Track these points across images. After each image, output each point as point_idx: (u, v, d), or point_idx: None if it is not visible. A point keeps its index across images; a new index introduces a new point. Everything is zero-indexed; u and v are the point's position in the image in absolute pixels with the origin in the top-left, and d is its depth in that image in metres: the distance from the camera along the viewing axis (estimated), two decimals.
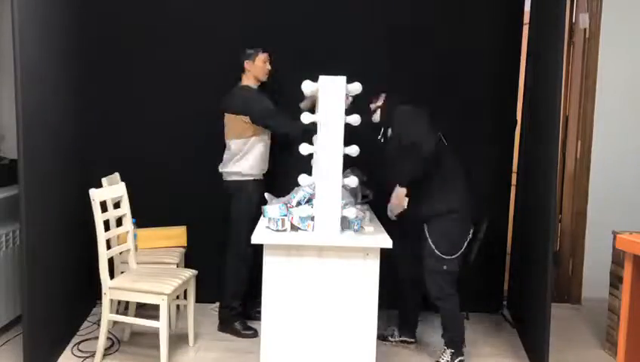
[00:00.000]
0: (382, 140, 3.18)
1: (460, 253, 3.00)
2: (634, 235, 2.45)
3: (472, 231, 3.04)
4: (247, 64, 3.41)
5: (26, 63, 2.68)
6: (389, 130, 3.09)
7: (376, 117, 3.16)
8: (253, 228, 3.30)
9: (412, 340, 3.40)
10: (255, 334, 3.43)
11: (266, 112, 3.35)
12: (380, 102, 3.15)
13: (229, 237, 3.46)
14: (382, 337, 3.41)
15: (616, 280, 3.42)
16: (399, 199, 2.95)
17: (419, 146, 2.83)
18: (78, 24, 3.50)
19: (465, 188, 3.04)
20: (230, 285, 3.47)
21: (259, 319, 3.63)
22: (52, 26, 3.08)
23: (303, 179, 2.71)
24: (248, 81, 3.44)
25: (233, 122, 3.39)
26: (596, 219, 4.24)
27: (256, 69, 3.42)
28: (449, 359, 3.09)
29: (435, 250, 2.99)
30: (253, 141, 3.39)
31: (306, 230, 2.71)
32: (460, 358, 3.11)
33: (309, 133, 3.01)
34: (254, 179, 3.44)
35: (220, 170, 3.50)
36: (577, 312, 4.16)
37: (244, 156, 3.40)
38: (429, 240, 3.01)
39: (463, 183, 3.05)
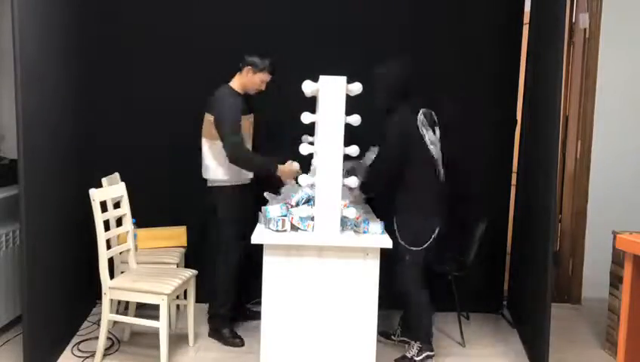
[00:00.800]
0: None
1: (424, 246, 3.04)
2: (634, 235, 2.45)
3: (437, 229, 3.07)
4: (247, 70, 3.27)
5: (26, 63, 2.68)
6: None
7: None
8: (238, 234, 3.25)
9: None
10: (241, 344, 3.35)
11: (229, 126, 3.17)
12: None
13: (216, 244, 3.40)
14: (385, 335, 3.43)
15: (616, 280, 3.42)
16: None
17: (378, 175, 3.07)
18: (78, 24, 3.50)
19: (435, 188, 3.09)
20: (218, 292, 3.39)
21: (257, 318, 3.59)
22: (52, 25, 3.08)
23: (303, 179, 2.71)
24: (236, 84, 3.31)
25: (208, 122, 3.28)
26: (596, 219, 4.24)
27: (252, 81, 3.28)
28: (415, 353, 3.11)
29: (401, 241, 3.03)
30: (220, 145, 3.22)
31: (305, 230, 2.71)
32: (427, 353, 3.10)
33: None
34: (233, 185, 3.30)
35: (204, 176, 3.37)
36: (577, 312, 4.16)
37: (218, 162, 3.26)
38: (397, 231, 3.06)
39: (434, 182, 3.09)
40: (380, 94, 3.07)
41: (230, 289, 3.37)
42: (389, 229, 2.90)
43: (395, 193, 3.10)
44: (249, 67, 3.27)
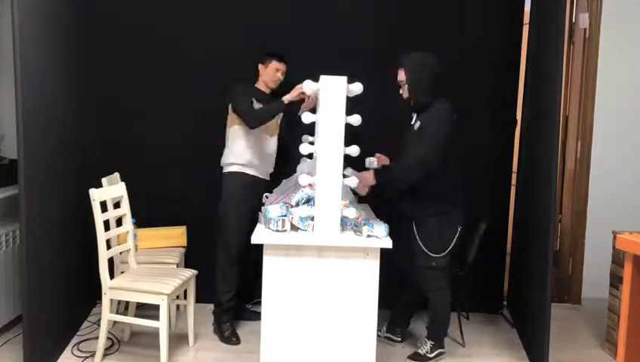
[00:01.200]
0: (411, 126, 3.09)
1: (448, 250, 3.06)
2: (634, 235, 2.44)
3: (460, 227, 3.08)
4: (260, 67, 3.41)
5: (26, 63, 2.68)
6: (417, 124, 3.03)
7: (405, 93, 3.06)
8: (240, 222, 3.32)
9: (398, 339, 3.44)
10: (237, 342, 3.38)
11: (240, 98, 3.28)
12: (401, 77, 3.05)
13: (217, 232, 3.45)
14: None
15: (616, 280, 3.42)
16: (365, 184, 2.95)
17: (424, 164, 2.87)
18: (78, 24, 3.50)
19: (457, 187, 3.08)
20: (217, 281, 3.43)
21: (252, 319, 3.62)
22: (52, 26, 3.08)
23: (303, 179, 2.71)
24: (260, 85, 3.43)
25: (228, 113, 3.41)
26: (596, 219, 4.24)
27: (268, 74, 3.39)
28: (428, 350, 3.18)
29: (424, 248, 3.04)
30: (235, 130, 3.35)
31: (305, 230, 2.71)
32: (439, 350, 3.20)
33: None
34: (239, 172, 3.37)
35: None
36: (577, 312, 4.16)
37: (229, 146, 3.39)
38: (418, 238, 3.05)
39: (456, 182, 3.08)
40: (420, 87, 2.98)
41: (231, 276, 3.39)
42: (399, 233, 2.88)
43: (412, 196, 3.00)
44: (260, 65, 3.40)
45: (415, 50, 3.05)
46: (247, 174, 3.39)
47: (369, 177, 2.97)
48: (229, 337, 3.40)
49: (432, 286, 3.10)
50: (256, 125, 3.24)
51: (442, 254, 3.04)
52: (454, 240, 3.07)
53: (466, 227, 3.56)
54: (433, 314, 3.18)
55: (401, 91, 3.08)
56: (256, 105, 3.30)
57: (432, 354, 3.18)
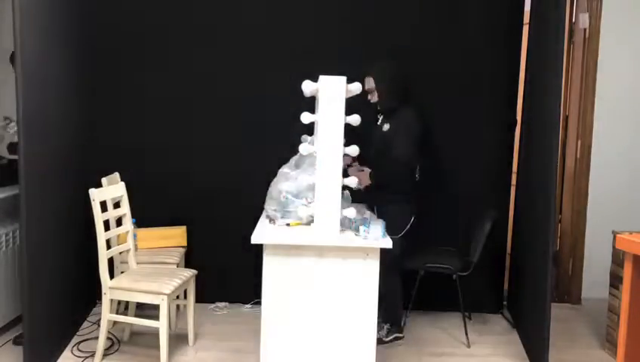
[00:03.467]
0: (378, 126, 3.39)
1: (401, 234, 3.25)
2: (634, 235, 2.44)
3: (414, 217, 3.31)
4: None
5: (26, 64, 2.68)
6: (386, 125, 3.30)
7: (374, 98, 3.31)
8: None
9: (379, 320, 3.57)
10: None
11: None
12: (370, 84, 3.27)
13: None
14: None
15: (616, 280, 3.42)
16: (363, 179, 3.25)
17: (400, 161, 3.20)
18: (78, 25, 3.50)
19: (414, 181, 3.35)
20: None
21: None
22: (53, 26, 3.08)
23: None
24: None
25: None
26: (596, 219, 4.24)
27: None
28: (384, 334, 3.36)
29: None
30: None
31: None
32: (396, 335, 3.39)
33: None
34: None
35: None
36: (577, 312, 4.16)
37: None
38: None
39: (414, 177, 3.36)
40: (390, 93, 3.26)
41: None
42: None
43: (376, 187, 3.24)
44: None
45: (381, 59, 3.38)
46: None
47: (365, 178, 3.25)
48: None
49: (384, 273, 3.14)
50: None
51: (395, 237, 3.12)
52: (407, 226, 3.29)
53: (470, 227, 3.59)
54: (385, 300, 3.30)
55: (369, 97, 3.30)
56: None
57: (388, 338, 3.36)
